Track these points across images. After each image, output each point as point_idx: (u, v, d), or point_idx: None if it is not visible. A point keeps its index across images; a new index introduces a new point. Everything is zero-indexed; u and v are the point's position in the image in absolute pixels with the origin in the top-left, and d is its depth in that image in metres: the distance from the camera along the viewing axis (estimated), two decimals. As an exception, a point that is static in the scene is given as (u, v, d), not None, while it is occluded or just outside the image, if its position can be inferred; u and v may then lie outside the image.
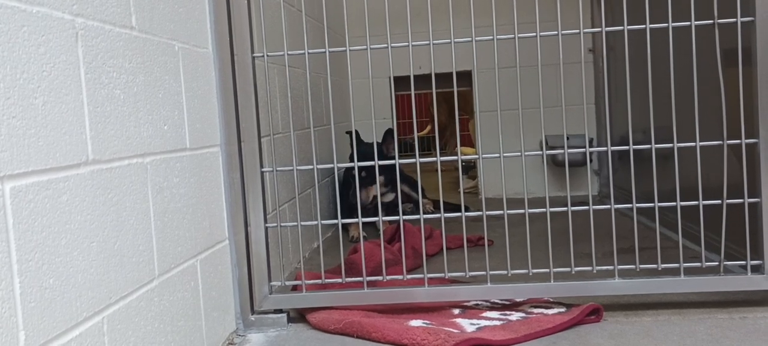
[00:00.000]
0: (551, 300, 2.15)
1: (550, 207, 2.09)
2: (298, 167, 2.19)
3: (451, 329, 1.92)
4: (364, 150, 3.66)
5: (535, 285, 2.08)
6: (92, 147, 1.34)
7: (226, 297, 2.05)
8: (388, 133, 3.83)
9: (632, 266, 2.05)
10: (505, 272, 2.11)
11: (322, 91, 3.69)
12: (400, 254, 2.60)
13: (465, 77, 4.81)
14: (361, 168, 3.70)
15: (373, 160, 2.19)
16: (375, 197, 3.62)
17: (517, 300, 2.17)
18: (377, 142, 3.39)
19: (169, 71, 1.72)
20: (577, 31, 2.05)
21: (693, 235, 2.28)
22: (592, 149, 2.42)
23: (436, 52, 2.08)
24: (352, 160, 3.41)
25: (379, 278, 2.15)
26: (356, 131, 3.07)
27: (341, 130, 4.00)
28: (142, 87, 1.57)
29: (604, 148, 2.12)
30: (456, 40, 2.08)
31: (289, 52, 2.13)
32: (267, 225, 2.13)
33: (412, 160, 2.20)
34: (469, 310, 2.14)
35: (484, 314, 2.08)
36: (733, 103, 1.99)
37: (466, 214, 2.18)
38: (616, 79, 4.01)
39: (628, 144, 2.07)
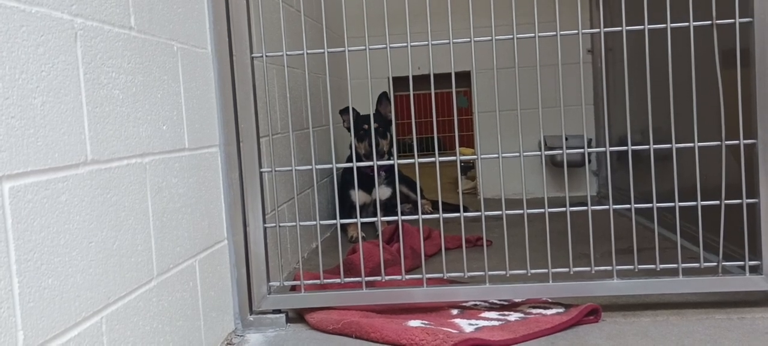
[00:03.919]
0: (550, 300, 2.16)
1: (549, 208, 2.09)
2: (297, 167, 2.19)
3: (450, 330, 1.92)
4: (361, 122, 3.69)
5: (534, 285, 2.09)
6: (91, 147, 1.34)
7: (224, 297, 2.05)
8: (383, 95, 3.83)
9: (631, 267, 2.05)
10: (503, 272, 2.11)
11: (320, 91, 3.69)
12: (399, 255, 2.60)
13: (464, 78, 4.81)
14: (362, 122, 3.72)
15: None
16: (377, 146, 3.64)
17: (516, 300, 2.17)
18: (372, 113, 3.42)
19: (167, 71, 1.72)
20: (576, 31, 2.06)
21: (691, 235, 2.28)
22: (590, 150, 2.42)
23: (435, 53, 2.08)
24: (350, 132, 3.41)
25: (378, 278, 2.15)
26: (353, 108, 2.93)
27: (340, 130, 4.01)
28: (140, 87, 1.57)
29: (603, 149, 2.12)
30: (455, 40, 2.08)
31: (288, 53, 2.13)
32: (266, 225, 2.13)
33: (411, 160, 2.20)
34: (468, 310, 2.14)
35: (482, 315, 2.08)
36: (731, 104, 1.99)
37: (465, 214, 2.18)
38: (615, 79, 4.01)
39: (626, 145, 2.07)
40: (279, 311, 2.12)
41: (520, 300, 2.17)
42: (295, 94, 3.06)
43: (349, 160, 3.90)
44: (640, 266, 2.04)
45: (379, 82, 4.45)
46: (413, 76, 2.14)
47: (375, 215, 2.25)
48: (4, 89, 1.10)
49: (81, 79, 1.32)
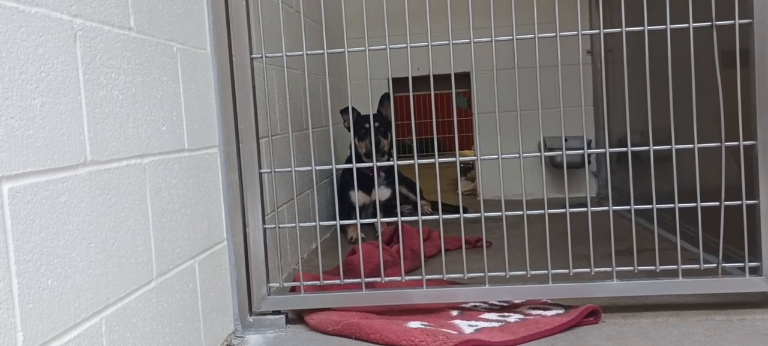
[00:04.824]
0: (549, 302, 2.15)
1: (549, 209, 2.09)
2: (297, 168, 2.19)
3: (449, 331, 1.92)
4: (362, 121, 3.69)
5: (534, 287, 2.08)
6: (90, 148, 1.34)
7: (224, 298, 2.04)
8: (385, 97, 3.83)
9: (630, 268, 2.05)
10: (503, 273, 2.11)
11: (320, 92, 3.69)
12: (399, 256, 2.60)
13: (464, 79, 4.81)
14: (363, 122, 3.72)
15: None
16: (378, 145, 3.64)
17: (516, 302, 2.17)
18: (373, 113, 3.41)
19: (167, 72, 1.72)
20: (576, 32, 2.06)
21: (691, 237, 2.28)
22: (590, 151, 2.43)
23: (435, 54, 2.08)
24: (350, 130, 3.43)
25: (378, 279, 2.15)
26: (354, 108, 2.92)
27: (339, 131, 4.00)
28: (140, 88, 1.57)
29: (603, 150, 2.12)
30: (454, 41, 2.08)
31: (288, 54, 2.13)
32: (265, 226, 2.12)
33: (411, 161, 2.20)
34: (468, 311, 2.14)
35: (482, 316, 2.08)
36: (731, 105, 1.99)
37: (465, 215, 2.18)
38: (615, 80, 4.02)
39: (626, 146, 2.07)
40: (279, 312, 2.12)
41: (519, 301, 2.16)
42: (294, 95, 3.06)
43: (349, 161, 3.90)
44: (639, 268, 2.04)
45: (378, 83, 4.45)
46: (413, 77, 2.14)
47: (375, 216, 2.25)
48: (3, 90, 1.10)
49: (80, 79, 1.32)
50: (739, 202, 1.99)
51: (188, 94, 1.85)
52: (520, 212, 2.09)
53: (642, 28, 2.00)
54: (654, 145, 2.04)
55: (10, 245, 1.09)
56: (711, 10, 1.96)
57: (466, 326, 1.98)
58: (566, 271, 2.07)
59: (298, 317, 2.16)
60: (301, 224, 2.41)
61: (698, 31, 1.99)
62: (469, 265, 2.12)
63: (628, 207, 2.10)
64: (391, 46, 2.08)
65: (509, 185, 2.31)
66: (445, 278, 2.20)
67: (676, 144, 2.03)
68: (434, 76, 2.13)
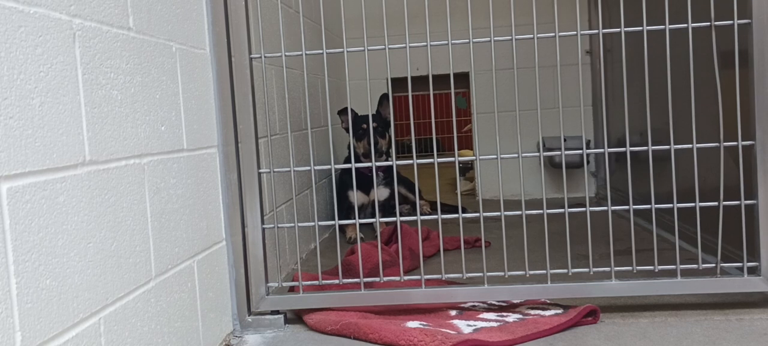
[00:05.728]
0: (548, 302, 2.16)
1: (547, 209, 2.09)
2: (296, 168, 2.19)
3: (448, 331, 1.92)
4: (360, 121, 3.69)
5: (532, 286, 2.09)
6: (89, 148, 1.34)
7: (223, 298, 2.04)
8: (384, 97, 3.84)
9: (629, 268, 2.05)
10: (502, 273, 2.11)
11: (319, 92, 3.69)
12: (398, 255, 2.60)
13: (463, 79, 4.81)
14: (361, 122, 3.73)
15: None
16: (377, 146, 3.65)
17: (514, 302, 2.17)
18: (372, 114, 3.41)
19: (166, 72, 1.72)
20: (575, 33, 2.06)
21: (690, 237, 2.28)
22: (589, 151, 2.43)
23: (434, 54, 2.09)
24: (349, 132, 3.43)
25: (377, 279, 2.15)
26: (352, 109, 2.91)
27: (338, 131, 4.01)
28: (139, 88, 1.57)
29: (601, 150, 2.12)
30: (453, 41, 2.08)
31: (287, 53, 2.13)
32: (264, 226, 2.12)
33: (410, 161, 2.20)
34: (466, 311, 2.14)
35: (480, 316, 2.08)
36: (729, 106, 1.99)
37: (464, 215, 2.18)
38: (613, 81, 4.02)
39: (625, 146, 2.07)
40: (277, 312, 2.12)
41: (518, 301, 2.16)
42: (293, 95, 3.06)
43: (347, 161, 3.90)
44: (638, 268, 2.05)
45: (377, 83, 4.46)
46: (412, 77, 2.14)
47: (373, 216, 2.25)
48: (2, 90, 1.10)
49: (79, 79, 1.32)
50: (737, 202, 1.99)
51: (187, 94, 1.85)
52: (518, 212, 2.09)
53: (641, 28, 2.00)
54: (653, 145, 2.04)
55: (8, 244, 1.09)
56: (710, 11, 1.96)
57: (465, 326, 1.98)
58: (565, 271, 2.08)
59: (296, 317, 2.16)
60: (299, 224, 2.40)
61: (697, 31, 1.99)
62: (467, 265, 2.12)
63: (626, 207, 2.10)
64: (390, 46, 2.09)
65: (508, 185, 2.31)
66: (443, 278, 2.20)
67: (674, 144, 2.03)
68: (433, 76, 2.13)
